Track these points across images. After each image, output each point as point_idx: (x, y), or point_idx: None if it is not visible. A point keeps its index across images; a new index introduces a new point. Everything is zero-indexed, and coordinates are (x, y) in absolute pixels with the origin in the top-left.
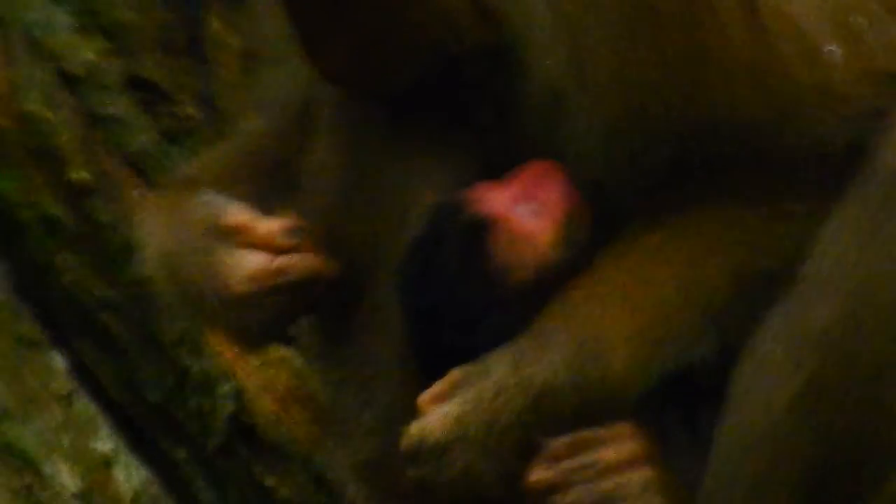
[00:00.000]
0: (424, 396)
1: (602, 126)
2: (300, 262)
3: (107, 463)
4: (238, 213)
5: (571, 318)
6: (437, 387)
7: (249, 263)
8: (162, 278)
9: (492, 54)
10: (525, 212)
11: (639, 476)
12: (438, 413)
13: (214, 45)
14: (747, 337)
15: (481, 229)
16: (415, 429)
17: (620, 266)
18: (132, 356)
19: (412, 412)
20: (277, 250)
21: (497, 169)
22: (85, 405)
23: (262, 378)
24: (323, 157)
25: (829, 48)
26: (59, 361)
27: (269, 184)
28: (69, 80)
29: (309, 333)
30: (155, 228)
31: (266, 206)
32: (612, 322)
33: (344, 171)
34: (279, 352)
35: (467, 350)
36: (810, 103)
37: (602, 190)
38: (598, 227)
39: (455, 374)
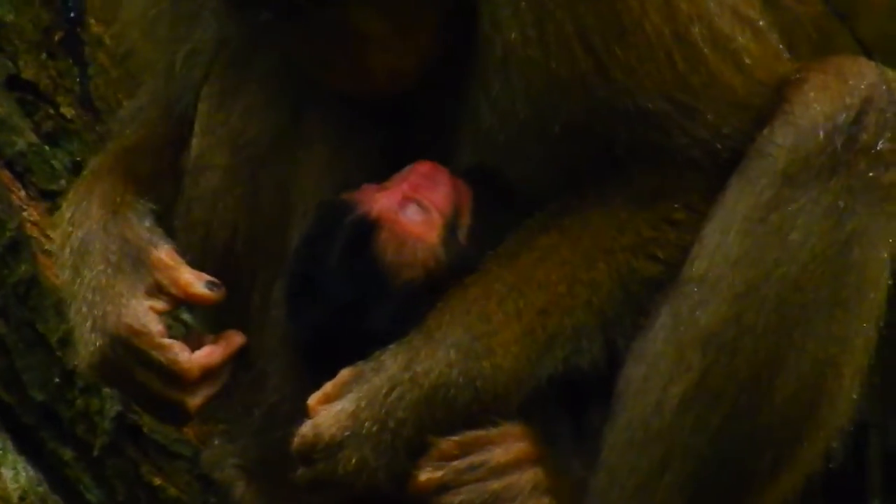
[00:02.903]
0: (315, 397)
1: (518, 94)
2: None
3: None
4: (166, 253)
5: (463, 315)
6: (328, 387)
7: (201, 354)
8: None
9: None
10: (412, 212)
11: (528, 476)
12: (331, 411)
13: (94, 47)
14: (636, 338)
15: (368, 230)
16: (307, 428)
17: (513, 266)
18: (18, 355)
19: (301, 412)
20: (192, 299)
21: (385, 168)
22: None
23: None
24: (204, 154)
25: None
26: None
27: (160, 185)
28: None
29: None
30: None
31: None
32: (503, 321)
33: (226, 169)
34: None
35: (357, 350)
36: (716, 92)
37: (501, 181)
38: (490, 225)
39: (346, 372)
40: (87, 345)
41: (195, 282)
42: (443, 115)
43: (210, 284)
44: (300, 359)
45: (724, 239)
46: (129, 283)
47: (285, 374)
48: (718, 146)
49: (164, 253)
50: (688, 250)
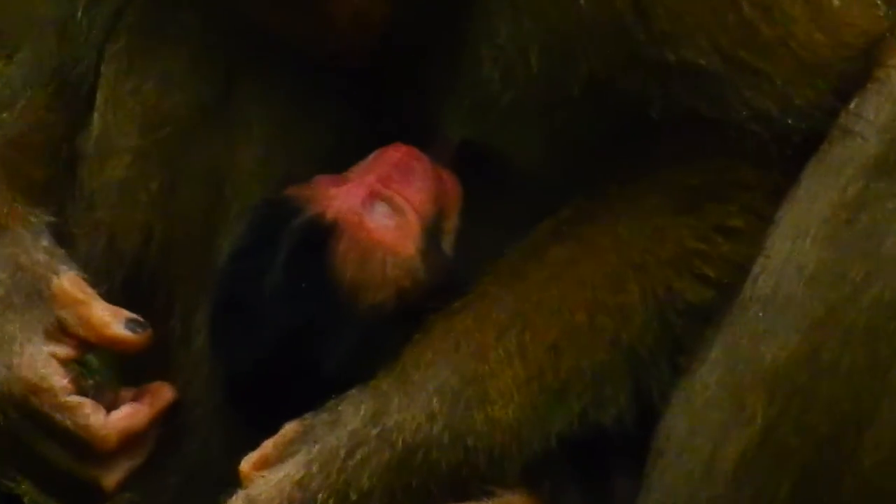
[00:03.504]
0: (250, 460)
1: (531, 41)
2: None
3: None
4: (72, 284)
5: (450, 352)
6: (267, 446)
7: (118, 418)
8: None
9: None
10: (380, 213)
11: None
12: (272, 479)
13: None
14: (677, 384)
15: (322, 237)
16: (239, 502)
17: (516, 286)
18: None
19: (231, 480)
20: (108, 343)
21: (344, 155)
22: None
23: None
24: (108, 134)
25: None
26: None
27: (58, 190)
28: None
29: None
30: None
31: (49, 198)
32: (502, 359)
33: (137, 153)
34: None
35: (306, 396)
36: (790, 51)
37: (499, 168)
38: (486, 230)
39: (292, 427)
40: None
41: (112, 320)
42: (423, 80)
43: (132, 324)
44: (230, 407)
45: (796, 249)
46: (23, 324)
47: (210, 427)
48: (789, 123)
49: (69, 282)
50: (747, 266)
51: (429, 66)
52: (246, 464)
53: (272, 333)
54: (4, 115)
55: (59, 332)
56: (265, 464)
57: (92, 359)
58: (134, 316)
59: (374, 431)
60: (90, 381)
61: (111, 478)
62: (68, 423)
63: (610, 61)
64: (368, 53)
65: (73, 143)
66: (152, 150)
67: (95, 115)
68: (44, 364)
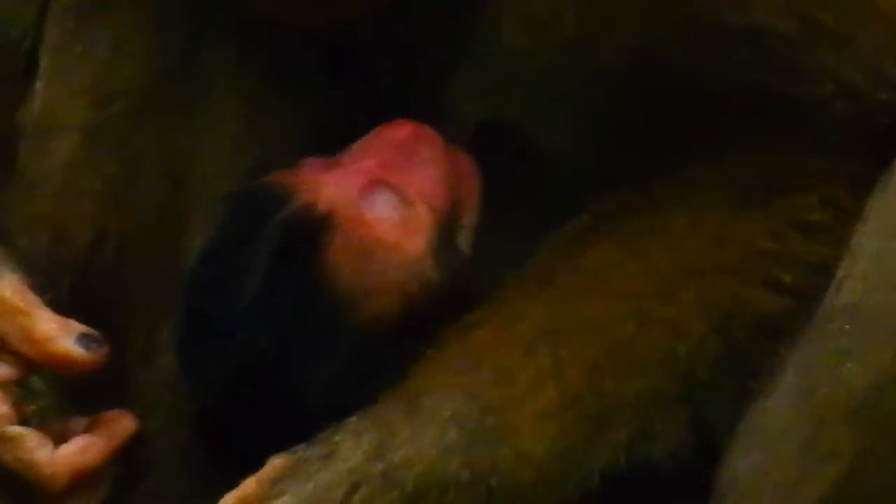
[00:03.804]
0: (227, 501)
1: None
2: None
3: None
4: (13, 291)
5: (466, 373)
6: (249, 485)
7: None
8: None
9: None
10: (383, 204)
11: None
12: None
13: None
14: (743, 412)
15: (311, 233)
16: None
17: (548, 294)
18: None
19: None
20: (56, 363)
21: (336, 137)
22: None
23: None
24: (52, 110)
25: None
26: None
27: None
28: None
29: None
30: None
31: None
32: (532, 381)
33: (86, 133)
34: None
35: (294, 425)
36: (882, 15)
37: (533, 157)
38: (509, 227)
39: (278, 462)
40: None
41: (59, 335)
42: (428, 46)
43: (84, 339)
44: (202, 438)
45: (888, 250)
46: None
47: (176, 463)
48: (880, 98)
49: (10, 288)
50: (829, 270)
51: (435, 29)
52: None
53: (252, 350)
54: None
55: (13, 343)
56: None
57: (36, 380)
58: (87, 329)
59: (378, 468)
60: (33, 408)
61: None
62: (8, 458)
63: (661, 25)
64: (366, 12)
65: (7, 120)
66: (106, 129)
67: (38, 85)
68: None
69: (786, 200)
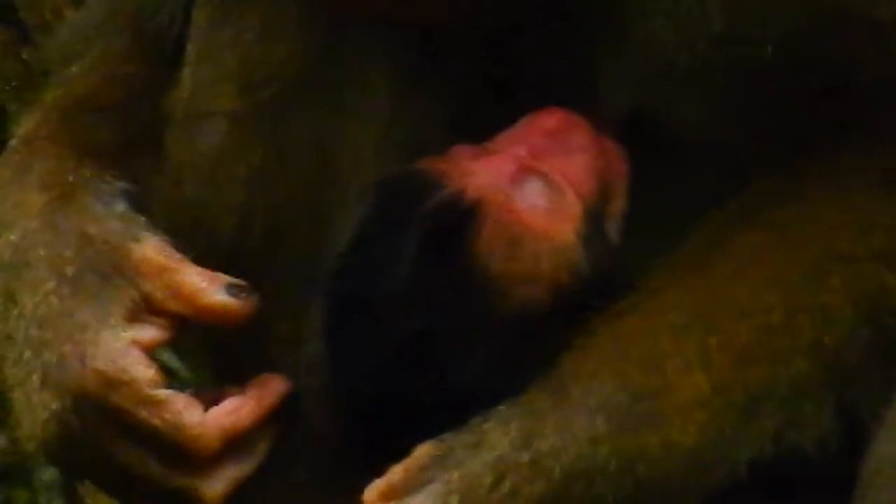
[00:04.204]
0: (375, 489)
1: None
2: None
3: None
4: (157, 251)
5: (617, 361)
6: (396, 473)
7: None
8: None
9: None
10: (533, 192)
11: None
12: None
13: None
14: (890, 400)
15: (462, 220)
16: None
17: (696, 281)
18: None
19: None
20: (208, 315)
21: (483, 123)
22: None
23: None
24: (200, 95)
25: None
26: None
27: (134, 155)
28: None
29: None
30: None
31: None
32: (681, 370)
33: (234, 118)
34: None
35: (440, 413)
36: None
37: (680, 146)
38: (656, 216)
39: (425, 449)
40: (35, 411)
41: (209, 287)
42: (575, 35)
43: (233, 289)
44: (349, 426)
45: None
46: (97, 307)
47: (321, 450)
48: None
49: (153, 249)
50: None
51: (583, 18)
52: (371, 493)
53: (400, 338)
54: (73, 68)
55: (143, 312)
56: (394, 493)
57: (177, 364)
58: (235, 280)
59: (526, 457)
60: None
61: (212, 489)
62: (156, 421)
63: (811, 19)
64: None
65: (156, 104)
66: (254, 115)
67: (185, 72)
68: (123, 352)
69: None
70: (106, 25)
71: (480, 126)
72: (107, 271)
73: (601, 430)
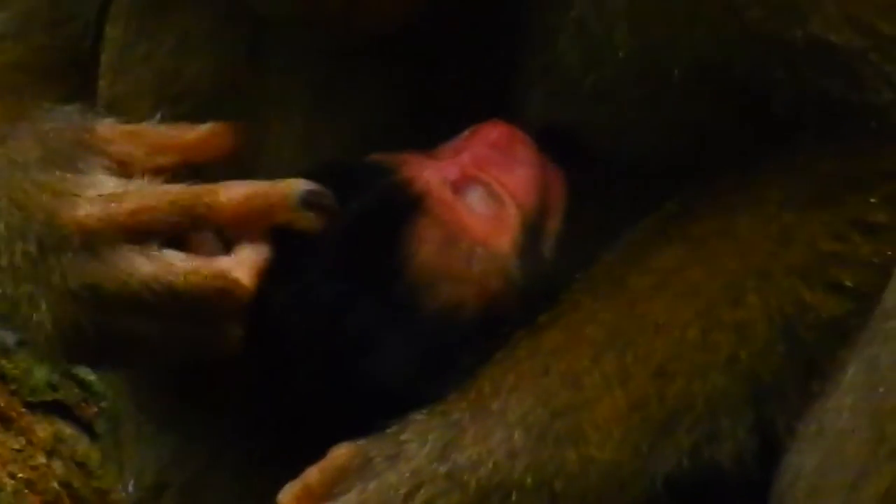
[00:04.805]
0: (290, 491)
1: (618, 18)
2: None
3: None
4: (112, 126)
5: (534, 377)
6: (311, 475)
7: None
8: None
9: None
10: (476, 198)
11: None
12: None
13: None
14: (807, 414)
15: (404, 206)
16: None
17: (615, 297)
18: None
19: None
20: (197, 149)
21: (402, 139)
22: None
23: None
24: (115, 110)
25: None
26: None
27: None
28: None
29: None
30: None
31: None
32: (599, 386)
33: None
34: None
35: (358, 415)
36: None
37: (597, 161)
38: (575, 230)
39: (342, 452)
40: (41, 292)
41: (185, 130)
42: (490, 49)
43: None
44: (264, 424)
45: None
46: (77, 172)
47: (233, 452)
48: None
49: (109, 126)
50: (889, 270)
51: (502, 34)
52: (286, 495)
53: (318, 327)
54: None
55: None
56: (309, 497)
57: (96, 382)
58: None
59: (443, 469)
60: (95, 409)
61: (244, 273)
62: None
63: (720, 41)
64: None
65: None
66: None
67: (100, 84)
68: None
69: (848, 199)
70: (22, 27)
71: (400, 142)
72: (74, 150)
73: (519, 445)
